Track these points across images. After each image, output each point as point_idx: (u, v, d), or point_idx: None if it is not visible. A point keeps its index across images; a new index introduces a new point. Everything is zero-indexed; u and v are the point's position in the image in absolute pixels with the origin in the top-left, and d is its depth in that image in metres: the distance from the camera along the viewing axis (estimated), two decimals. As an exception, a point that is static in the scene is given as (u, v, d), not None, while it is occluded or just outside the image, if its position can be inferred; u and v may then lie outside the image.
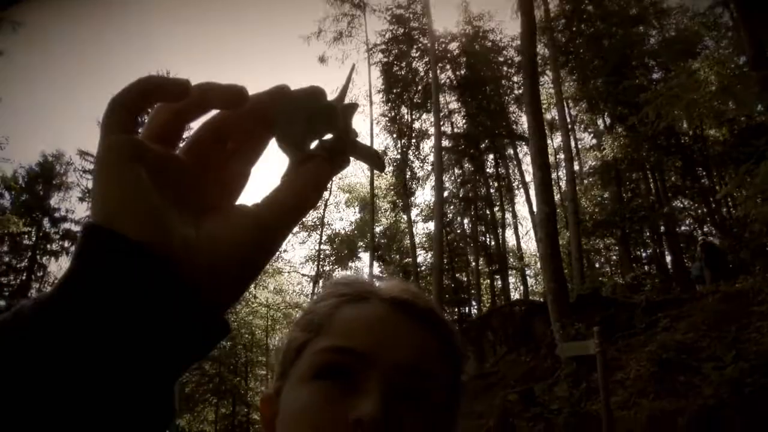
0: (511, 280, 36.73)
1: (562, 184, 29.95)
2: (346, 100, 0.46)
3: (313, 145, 0.44)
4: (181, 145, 0.43)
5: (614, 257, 31.68)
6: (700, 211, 27.34)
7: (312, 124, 0.43)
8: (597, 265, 32.82)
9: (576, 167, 29.90)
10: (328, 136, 0.44)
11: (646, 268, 29.83)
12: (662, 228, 26.71)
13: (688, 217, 27.52)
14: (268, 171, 0.56)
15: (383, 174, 34.86)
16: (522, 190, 31.81)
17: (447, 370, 0.73)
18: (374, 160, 0.51)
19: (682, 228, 27.70)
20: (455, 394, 0.75)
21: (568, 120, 28.67)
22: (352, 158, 0.46)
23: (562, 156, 27.44)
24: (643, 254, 30.91)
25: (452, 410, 0.74)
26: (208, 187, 0.43)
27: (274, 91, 0.43)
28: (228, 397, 31.80)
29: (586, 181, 29.26)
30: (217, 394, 31.85)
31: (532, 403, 12.47)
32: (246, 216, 0.41)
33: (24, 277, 31.12)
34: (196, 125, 0.43)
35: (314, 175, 0.42)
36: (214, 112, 0.42)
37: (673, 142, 24.96)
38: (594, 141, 30.44)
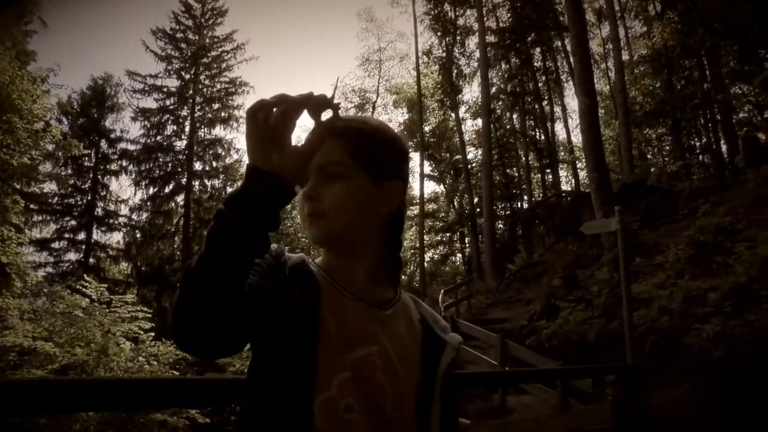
0: (562, 173, 36.87)
1: (612, 74, 29.45)
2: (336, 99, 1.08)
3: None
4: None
5: (667, 147, 31.39)
6: (760, 98, 26.26)
7: (318, 110, 1.02)
8: (649, 156, 32.64)
9: (626, 57, 29.30)
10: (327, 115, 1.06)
11: (700, 157, 29.56)
12: (717, 116, 26.11)
13: (747, 103, 26.54)
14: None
15: (430, 73, 34.79)
16: (570, 83, 31.34)
17: (350, 155, 1.13)
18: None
19: (741, 115, 26.94)
20: (358, 164, 1.14)
21: (617, 8, 27.88)
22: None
23: (610, 46, 26.90)
24: (697, 143, 30.52)
25: (354, 174, 1.13)
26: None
27: (307, 96, 0.99)
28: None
29: (636, 71, 28.63)
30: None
31: (575, 286, 13.11)
32: (295, 148, 0.99)
33: (89, 197, 32.34)
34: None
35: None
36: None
37: (732, 24, 23.75)
38: (644, 29, 29.50)
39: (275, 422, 0.99)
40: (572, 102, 34.55)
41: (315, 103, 1.00)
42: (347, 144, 1.12)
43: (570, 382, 9.04)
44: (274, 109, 0.95)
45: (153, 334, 11.47)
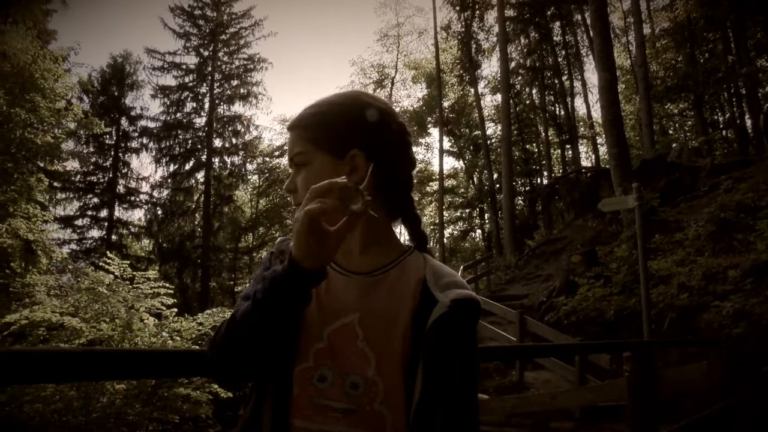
0: (582, 149, 36.62)
1: (633, 48, 29.04)
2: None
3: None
4: None
5: (689, 123, 30.99)
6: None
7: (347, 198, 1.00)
8: (670, 132, 32.27)
9: (647, 30, 28.86)
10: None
11: (723, 133, 29.15)
12: (742, 90, 25.67)
13: (774, 77, 25.90)
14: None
15: (449, 48, 34.54)
16: (591, 57, 31.00)
17: (308, 142, 1.19)
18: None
19: (767, 89, 26.49)
20: (317, 147, 1.19)
21: (639, -20, 27.41)
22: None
23: (631, 19, 26.51)
24: (720, 118, 30.07)
25: (314, 158, 1.19)
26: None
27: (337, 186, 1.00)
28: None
29: (657, 45, 28.22)
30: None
31: (595, 263, 13.10)
32: (332, 240, 0.98)
33: (111, 175, 32.55)
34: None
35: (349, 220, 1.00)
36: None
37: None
38: (666, 1, 28.99)
39: (264, 392, 1.09)
40: (592, 77, 34.32)
41: (346, 195, 1.01)
42: (304, 133, 1.19)
43: (588, 358, 9.11)
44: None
45: (176, 310, 11.63)
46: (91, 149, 32.28)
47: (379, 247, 1.20)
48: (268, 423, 1.07)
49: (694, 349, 7.92)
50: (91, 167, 32.41)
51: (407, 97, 65.26)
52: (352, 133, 1.18)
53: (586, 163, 34.06)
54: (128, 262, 12.89)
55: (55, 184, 27.93)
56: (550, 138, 33.91)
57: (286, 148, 1.27)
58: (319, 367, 1.08)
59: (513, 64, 32.28)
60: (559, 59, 33.11)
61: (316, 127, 1.19)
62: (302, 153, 1.18)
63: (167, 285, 12.38)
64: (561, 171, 31.79)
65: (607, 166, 15.72)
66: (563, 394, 6.03)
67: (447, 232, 37.60)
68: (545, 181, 31.83)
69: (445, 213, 35.27)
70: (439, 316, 1.06)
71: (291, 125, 1.22)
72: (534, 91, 34.76)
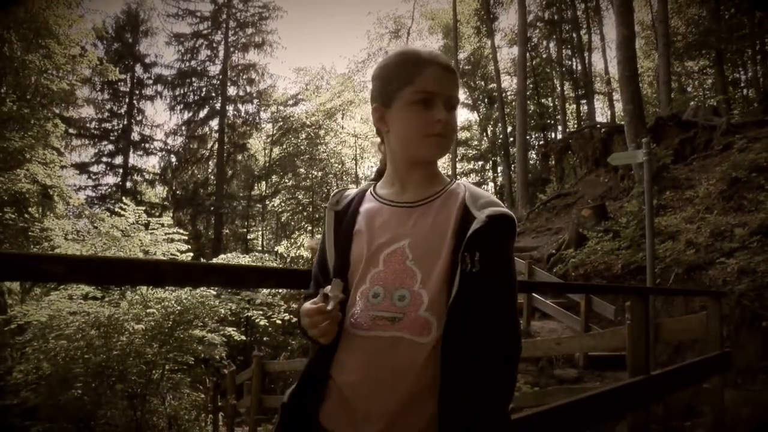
0: (598, 105, 36.24)
1: (654, 3, 28.44)
2: None
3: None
4: None
5: (709, 81, 30.52)
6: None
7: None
8: (689, 89, 31.84)
9: (670, -16, 28.22)
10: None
11: (744, 92, 28.69)
12: (768, 47, 25.04)
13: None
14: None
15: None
16: (611, 11, 30.42)
17: (458, 91, 1.36)
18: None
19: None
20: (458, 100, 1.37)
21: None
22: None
23: (654, -28, 25.91)
24: (742, 77, 29.56)
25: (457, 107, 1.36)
26: None
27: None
28: (320, 224, 33.29)
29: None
30: (311, 222, 33.42)
31: (605, 217, 13.22)
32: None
33: (125, 122, 32.85)
34: None
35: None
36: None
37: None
38: (692, -47, 28.21)
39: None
40: (611, 31, 33.46)
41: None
42: (457, 81, 1.35)
43: (594, 309, 9.32)
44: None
45: (191, 255, 11.87)
46: (106, 96, 32.44)
47: (431, 181, 1.36)
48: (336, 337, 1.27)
49: (699, 305, 8.12)
50: (106, 114, 32.63)
51: (423, 47, 64.30)
52: None
53: (601, 119, 33.73)
54: (143, 208, 13.12)
55: (71, 130, 28.11)
56: (566, 93, 33.58)
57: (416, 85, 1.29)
58: (373, 287, 1.26)
59: (531, 17, 31.71)
60: (578, 12, 32.53)
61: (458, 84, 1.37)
62: (458, 98, 1.35)
63: (181, 231, 12.60)
64: (576, 126, 31.51)
65: (622, 123, 15.67)
66: (567, 341, 6.24)
67: (460, 184, 37.55)
68: (559, 136, 31.64)
69: (458, 165, 35.21)
70: (476, 229, 1.21)
71: (451, 68, 1.34)
72: (551, 45, 34.36)
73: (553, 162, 25.12)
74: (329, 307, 1.20)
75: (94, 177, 31.65)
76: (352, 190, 1.48)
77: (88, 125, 31.60)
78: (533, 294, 10.40)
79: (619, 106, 30.00)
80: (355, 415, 1.21)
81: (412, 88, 1.28)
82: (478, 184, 39.60)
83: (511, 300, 1.27)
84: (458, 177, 33.52)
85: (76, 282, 8.16)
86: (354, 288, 1.28)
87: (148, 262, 1.58)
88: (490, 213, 1.23)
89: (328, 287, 1.24)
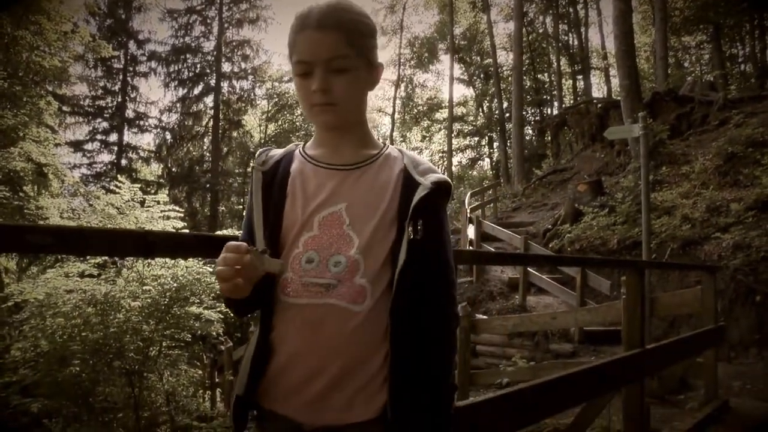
0: (594, 80, 36.12)
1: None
2: None
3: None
4: None
5: (706, 56, 30.38)
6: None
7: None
8: (686, 65, 31.71)
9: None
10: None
11: (741, 67, 28.56)
12: (767, 22, 24.82)
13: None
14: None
15: None
16: (609, -16, 30.14)
17: (350, 46, 1.21)
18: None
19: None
20: (360, 51, 1.23)
21: None
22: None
23: (651, -55, 25.62)
24: (741, 52, 29.40)
25: (357, 65, 1.23)
26: None
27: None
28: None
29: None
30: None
31: (600, 193, 13.23)
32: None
33: (119, 99, 32.33)
34: None
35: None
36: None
37: None
38: None
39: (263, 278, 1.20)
40: (608, 6, 33.26)
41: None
42: (346, 36, 1.21)
43: (589, 284, 9.36)
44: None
45: (187, 232, 11.83)
46: (99, 73, 31.94)
47: (362, 144, 1.31)
48: (267, 303, 1.23)
49: (694, 280, 8.15)
50: (100, 91, 32.18)
51: (419, 23, 64.02)
52: (376, 46, 1.31)
53: (597, 94, 33.61)
54: (138, 186, 13.07)
55: (65, 108, 27.82)
56: (562, 68, 33.44)
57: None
58: (306, 251, 1.20)
59: (527, -9, 31.53)
60: (575, -14, 32.28)
61: (358, 32, 1.23)
62: (345, 57, 1.21)
63: (177, 209, 12.56)
64: (572, 101, 31.42)
65: (619, 98, 15.62)
66: (563, 315, 6.28)
67: (455, 160, 37.62)
68: (555, 112, 31.57)
69: (454, 141, 35.18)
70: (424, 195, 1.18)
71: (326, 24, 1.20)
72: (548, 20, 34.16)
73: (549, 137, 25.08)
74: (245, 258, 1.10)
75: (88, 155, 31.42)
76: (278, 150, 1.40)
77: (81, 103, 31.24)
78: (528, 269, 10.45)
79: (615, 82, 29.91)
80: (291, 383, 1.19)
81: (294, 59, 1.25)
82: (474, 161, 39.90)
83: (451, 267, 1.27)
84: (451, 154, 33.89)
85: (65, 253, 8.03)
86: (286, 252, 1.22)
87: (136, 233, 1.57)
88: (435, 180, 1.21)
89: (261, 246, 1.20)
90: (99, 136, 31.76)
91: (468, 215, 14.31)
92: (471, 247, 12.47)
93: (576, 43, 32.80)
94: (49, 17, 20.45)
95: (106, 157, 31.78)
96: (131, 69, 32.90)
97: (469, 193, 18.22)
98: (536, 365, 6.48)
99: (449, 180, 1.26)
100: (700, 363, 5.17)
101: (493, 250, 11.73)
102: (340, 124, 1.28)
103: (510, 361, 7.71)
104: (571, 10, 32.46)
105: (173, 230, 11.58)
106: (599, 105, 19.96)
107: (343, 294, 1.16)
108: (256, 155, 1.38)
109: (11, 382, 10.74)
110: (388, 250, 1.19)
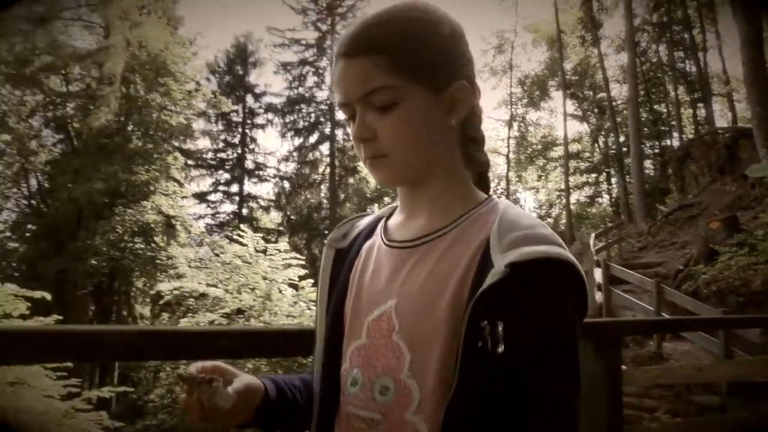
0: (717, 107, 34.36)
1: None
2: None
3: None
4: None
5: None
6: None
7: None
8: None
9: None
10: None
11: None
12: None
13: None
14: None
15: (569, 9, 33.39)
16: (727, 5, 28.81)
17: (395, 72, 0.86)
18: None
19: None
20: (413, 72, 0.87)
21: None
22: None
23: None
24: None
25: (408, 95, 0.87)
26: None
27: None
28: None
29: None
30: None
31: (736, 230, 12.46)
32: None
33: (239, 151, 34.03)
34: None
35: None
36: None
37: None
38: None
39: (320, 393, 0.97)
40: (728, 27, 31.81)
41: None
42: (388, 59, 0.86)
43: (735, 331, 8.74)
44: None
45: (311, 280, 12.11)
46: (220, 127, 33.77)
47: (444, 203, 0.93)
48: None
49: None
50: (221, 144, 33.98)
51: (527, 60, 63.80)
52: (453, 60, 0.92)
53: (720, 122, 31.88)
54: (260, 234, 13.57)
55: (189, 162, 29.54)
56: (680, 97, 32.08)
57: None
58: (353, 368, 0.91)
59: (638, 21, 30.67)
60: (689, 11, 31.04)
61: (409, 49, 0.87)
62: (391, 87, 0.87)
63: (298, 256, 12.92)
64: (693, 131, 30.04)
65: (747, 125, 14.75)
66: (710, 367, 5.88)
67: (573, 198, 36.65)
68: (675, 143, 30.29)
69: (570, 179, 34.39)
70: (493, 283, 0.75)
71: (357, 48, 0.88)
72: (661, 48, 32.99)
73: (672, 171, 24.02)
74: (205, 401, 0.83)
75: (212, 205, 33.05)
76: (368, 218, 1.08)
77: (204, 156, 33.03)
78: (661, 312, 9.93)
79: (740, 107, 28.49)
80: None
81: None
82: (593, 198, 38.70)
83: (557, 399, 0.77)
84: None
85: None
86: (342, 362, 0.94)
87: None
88: (516, 258, 0.75)
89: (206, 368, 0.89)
90: (221, 187, 33.41)
91: (594, 257, 13.81)
92: (599, 292, 11.99)
93: (694, 69, 31.42)
94: (175, 78, 21.96)
95: (228, 207, 33.35)
96: (249, 122, 34.58)
97: (593, 234, 17.69)
98: (685, 421, 6.08)
99: (554, 256, 0.77)
100: None
101: (622, 294, 11.25)
102: (399, 180, 0.96)
103: (651, 413, 7.30)
104: (686, 35, 31.22)
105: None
106: (726, 134, 18.97)
107: None
108: (338, 225, 1.08)
109: (152, 425, 11.33)
110: (449, 371, 0.78)
